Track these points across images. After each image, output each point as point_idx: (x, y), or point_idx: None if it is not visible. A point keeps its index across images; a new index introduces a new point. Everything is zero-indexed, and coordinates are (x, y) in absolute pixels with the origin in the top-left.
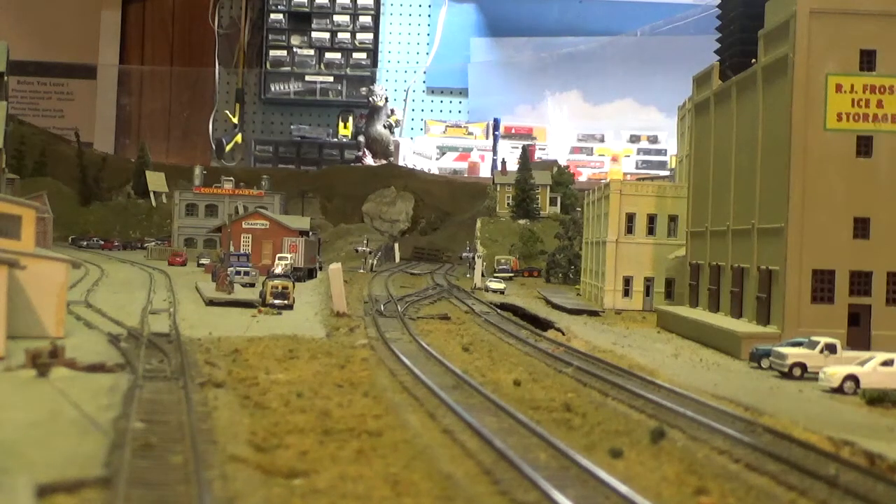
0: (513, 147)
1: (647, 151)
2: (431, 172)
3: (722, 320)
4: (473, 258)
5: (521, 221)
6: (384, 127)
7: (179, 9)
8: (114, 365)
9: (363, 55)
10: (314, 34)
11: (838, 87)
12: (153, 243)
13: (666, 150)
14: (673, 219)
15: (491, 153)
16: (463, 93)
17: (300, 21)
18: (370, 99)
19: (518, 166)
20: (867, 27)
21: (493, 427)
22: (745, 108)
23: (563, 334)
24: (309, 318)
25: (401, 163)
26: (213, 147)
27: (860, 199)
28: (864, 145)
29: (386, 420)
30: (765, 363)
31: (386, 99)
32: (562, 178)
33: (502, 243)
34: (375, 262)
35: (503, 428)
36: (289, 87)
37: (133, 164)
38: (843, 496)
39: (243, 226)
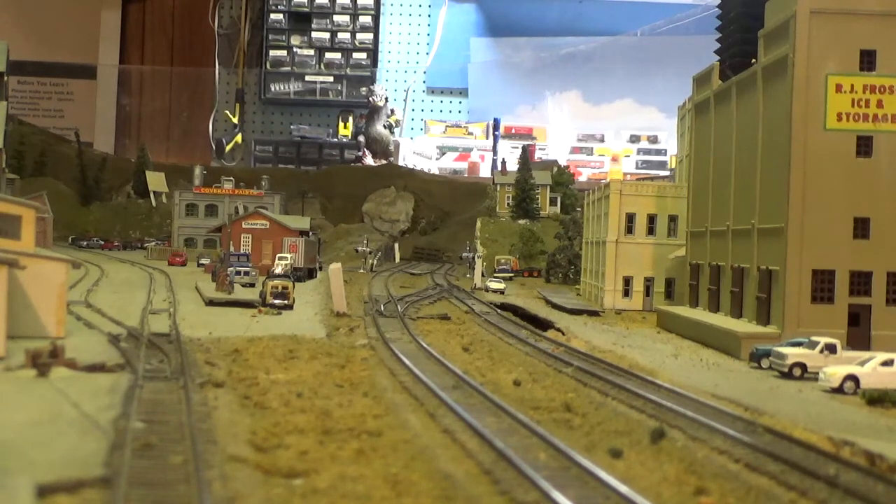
0: (513, 147)
1: (647, 151)
2: (431, 172)
3: (722, 320)
4: (473, 258)
5: (521, 221)
6: (384, 127)
7: (179, 9)
8: (114, 365)
9: (363, 55)
10: (314, 34)
11: (838, 87)
12: (153, 243)
13: (666, 150)
14: (673, 219)
15: (491, 153)
16: (463, 93)
17: (300, 21)
18: (370, 99)
19: (518, 166)
20: (867, 27)
21: (494, 427)
22: (745, 109)
23: (563, 334)
24: (309, 318)
25: (401, 163)
26: (213, 147)
27: (860, 199)
28: (864, 145)
29: (386, 420)
30: (765, 363)
31: (386, 99)
32: (562, 178)
33: (502, 243)
34: (375, 262)
35: (503, 428)
36: (289, 87)
37: (133, 164)
38: (843, 496)
39: (243, 226)
